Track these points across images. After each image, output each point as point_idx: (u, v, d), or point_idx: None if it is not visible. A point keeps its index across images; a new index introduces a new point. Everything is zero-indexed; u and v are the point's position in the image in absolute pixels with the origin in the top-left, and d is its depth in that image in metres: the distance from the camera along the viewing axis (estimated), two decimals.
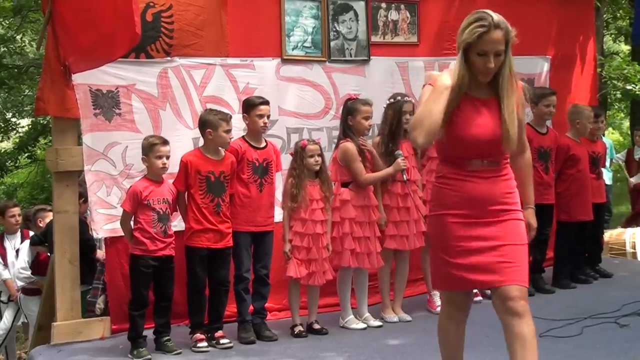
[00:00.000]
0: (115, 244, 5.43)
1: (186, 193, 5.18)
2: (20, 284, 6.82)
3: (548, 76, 7.29)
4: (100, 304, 5.87)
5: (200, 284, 5.16)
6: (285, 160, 5.63)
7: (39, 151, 16.08)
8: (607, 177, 9.29)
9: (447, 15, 6.69)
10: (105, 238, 5.48)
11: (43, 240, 6.40)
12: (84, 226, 5.51)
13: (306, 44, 6.19)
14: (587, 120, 6.66)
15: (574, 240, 6.60)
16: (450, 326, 3.50)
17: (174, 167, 5.21)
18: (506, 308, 3.17)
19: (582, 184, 6.58)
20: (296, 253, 5.32)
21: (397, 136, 5.63)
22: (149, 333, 5.07)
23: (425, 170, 5.90)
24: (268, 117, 5.40)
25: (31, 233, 7.02)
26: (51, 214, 6.29)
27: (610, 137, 16.94)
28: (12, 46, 14.80)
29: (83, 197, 5.68)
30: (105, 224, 5.40)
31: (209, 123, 5.18)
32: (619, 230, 8.78)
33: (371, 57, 6.42)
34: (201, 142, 5.33)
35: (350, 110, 5.55)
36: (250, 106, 5.37)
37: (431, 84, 3.24)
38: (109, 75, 5.39)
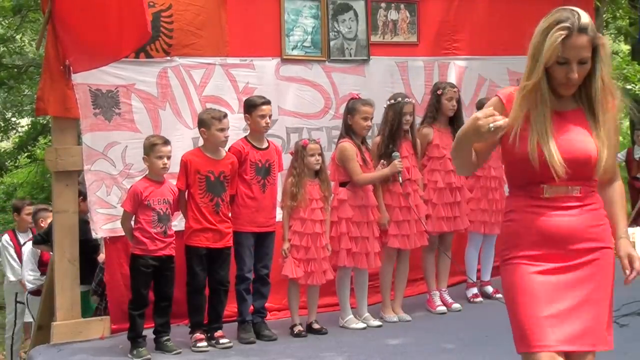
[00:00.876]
0: (115, 244, 5.43)
1: (187, 192, 5.19)
2: (30, 286, 6.83)
3: None
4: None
5: (200, 283, 5.16)
6: (285, 160, 5.63)
7: (38, 151, 16.07)
8: None
9: (446, 15, 6.68)
10: (105, 238, 5.48)
11: (46, 240, 6.40)
12: (86, 226, 5.49)
13: (306, 44, 6.18)
14: None
15: None
16: None
17: (174, 166, 5.21)
18: None
19: None
20: (295, 252, 5.32)
21: (397, 137, 5.63)
22: (148, 333, 5.07)
23: (426, 170, 5.90)
24: (270, 117, 5.40)
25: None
26: (52, 214, 6.30)
27: None
28: (11, 46, 14.77)
29: (82, 195, 5.67)
30: (104, 223, 5.40)
31: (203, 122, 5.19)
32: None
33: (371, 57, 6.41)
34: (201, 142, 5.34)
35: (350, 109, 5.55)
36: (252, 106, 5.36)
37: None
38: (109, 75, 5.39)
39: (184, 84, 5.68)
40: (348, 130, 5.56)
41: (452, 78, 6.62)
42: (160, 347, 5.04)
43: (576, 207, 2.63)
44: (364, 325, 5.53)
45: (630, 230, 8.92)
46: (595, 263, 2.64)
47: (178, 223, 5.32)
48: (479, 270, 6.29)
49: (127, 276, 5.21)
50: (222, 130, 5.19)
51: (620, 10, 12.88)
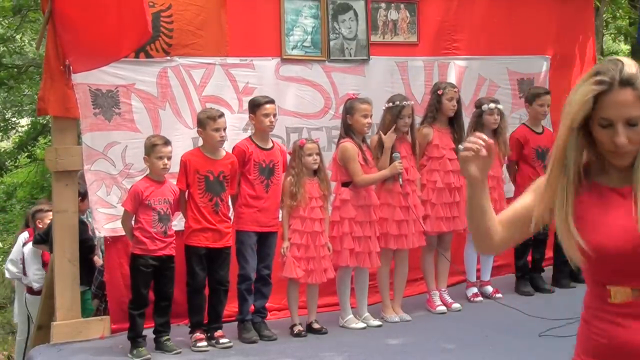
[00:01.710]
0: (115, 244, 5.43)
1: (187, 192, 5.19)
2: (36, 285, 6.82)
3: (547, 76, 7.29)
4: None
5: (200, 283, 5.16)
6: None
7: (38, 151, 16.06)
8: None
9: (446, 14, 6.68)
10: (105, 237, 5.48)
11: (46, 239, 6.40)
12: (83, 227, 5.49)
13: (306, 44, 6.19)
14: None
15: None
16: None
17: (174, 166, 5.21)
18: None
19: None
20: (295, 251, 5.32)
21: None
22: (148, 333, 5.07)
23: (425, 170, 5.90)
24: (274, 116, 5.39)
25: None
26: (49, 214, 6.29)
27: None
28: (11, 46, 14.77)
29: (81, 195, 5.67)
30: (105, 223, 5.40)
31: (199, 122, 5.21)
32: None
33: (371, 57, 6.41)
34: (201, 142, 5.34)
35: (349, 109, 5.55)
36: (256, 106, 5.36)
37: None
38: (109, 75, 5.39)
39: (183, 84, 5.68)
40: (348, 130, 5.56)
41: (452, 78, 6.62)
42: (160, 347, 5.04)
43: None
44: (364, 325, 5.53)
45: None
46: None
47: (178, 223, 5.32)
48: (478, 270, 6.29)
49: (127, 276, 5.22)
50: (217, 130, 5.15)
51: (620, 10, 12.88)
